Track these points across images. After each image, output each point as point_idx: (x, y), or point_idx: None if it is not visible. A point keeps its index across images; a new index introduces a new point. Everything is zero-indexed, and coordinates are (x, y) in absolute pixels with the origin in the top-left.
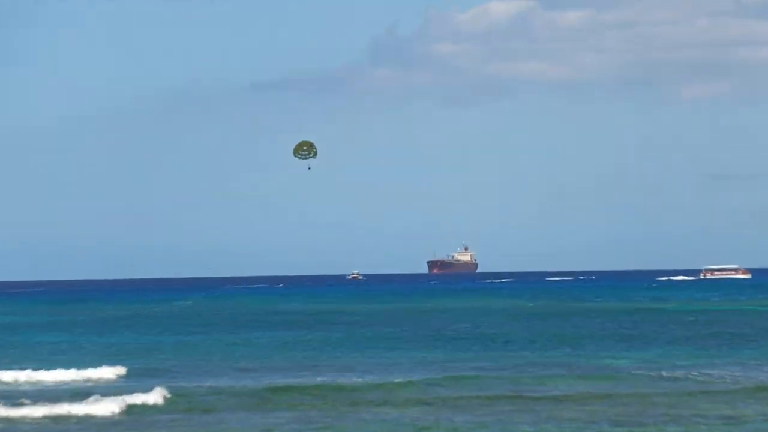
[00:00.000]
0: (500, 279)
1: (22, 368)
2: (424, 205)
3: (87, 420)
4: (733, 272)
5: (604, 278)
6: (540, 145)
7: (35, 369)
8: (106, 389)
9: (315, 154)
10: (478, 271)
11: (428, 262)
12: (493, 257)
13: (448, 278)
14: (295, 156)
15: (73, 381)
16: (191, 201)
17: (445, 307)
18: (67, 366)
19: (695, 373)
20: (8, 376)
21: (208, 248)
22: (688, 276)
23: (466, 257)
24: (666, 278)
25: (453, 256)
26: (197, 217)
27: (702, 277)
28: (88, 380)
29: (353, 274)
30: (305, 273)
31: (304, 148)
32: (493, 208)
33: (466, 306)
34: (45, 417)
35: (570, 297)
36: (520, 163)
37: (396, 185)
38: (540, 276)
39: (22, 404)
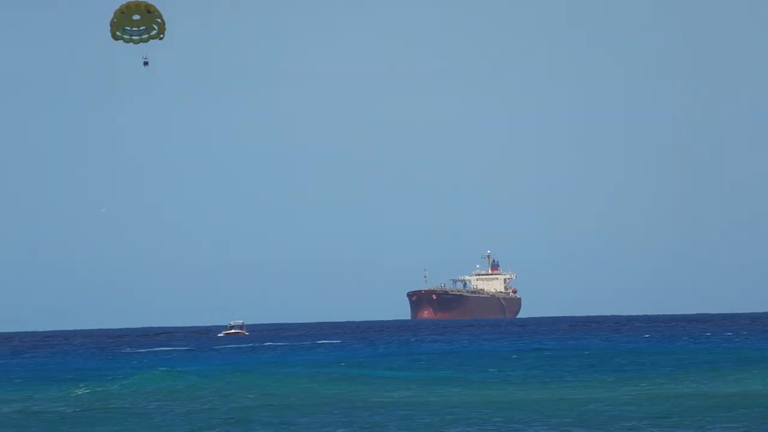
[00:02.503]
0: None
1: None
2: (404, 189)
3: None
4: None
5: None
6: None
7: None
8: None
9: (161, 29)
10: (522, 313)
11: (410, 296)
12: (548, 286)
13: (456, 329)
14: (118, 36)
15: None
16: None
17: None
18: None
19: None
20: None
21: None
22: None
23: (494, 284)
24: None
25: (466, 282)
26: None
27: None
28: None
29: (231, 328)
30: (153, 323)
31: (135, 18)
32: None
33: None
34: None
35: None
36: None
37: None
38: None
39: None
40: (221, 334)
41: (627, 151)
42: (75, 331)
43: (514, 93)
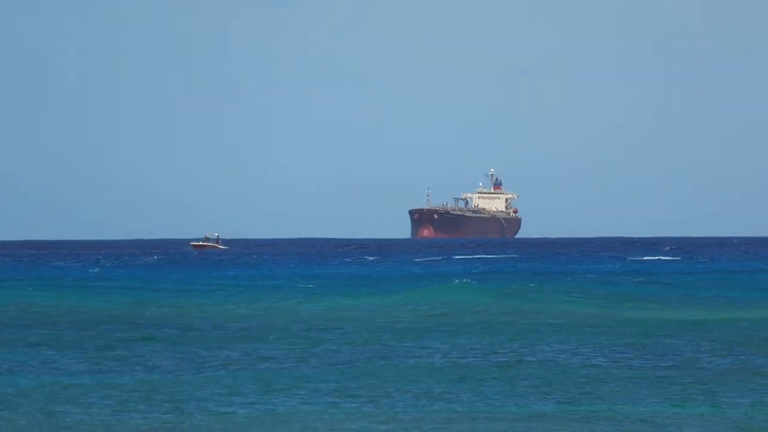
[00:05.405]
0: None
1: None
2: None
3: None
4: None
5: None
6: None
7: None
8: None
9: None
10: (521, 234)
11: (411, 213)
12: (549, 207)
13: (457, 247)
14: None
15: None
16: None
17: None
18: None
19: None
20: None
21: None
22: None
23: (495, 203)
24: None
25: (468, 200)
26: None
27: None
28: None
29: (205, 240)
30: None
31: None
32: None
33: None
34: None
35: None
36: None
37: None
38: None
39: None
40: (195, 243)
41: (635, 69)
42: (17, 241)
43: (526, 16)
